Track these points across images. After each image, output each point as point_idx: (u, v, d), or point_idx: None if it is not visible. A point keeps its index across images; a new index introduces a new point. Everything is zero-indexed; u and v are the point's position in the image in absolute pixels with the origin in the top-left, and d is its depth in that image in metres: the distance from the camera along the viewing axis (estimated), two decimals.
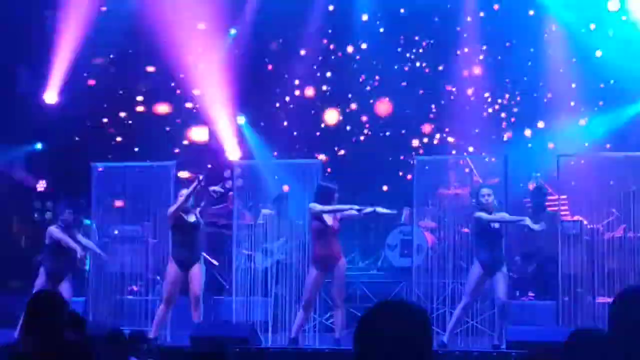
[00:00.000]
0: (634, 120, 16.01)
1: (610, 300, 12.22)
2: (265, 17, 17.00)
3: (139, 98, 17.76)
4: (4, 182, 16.27)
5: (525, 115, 17.16)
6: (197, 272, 12.16)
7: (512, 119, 17.37)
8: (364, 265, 15.61)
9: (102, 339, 6.26)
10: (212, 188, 12.54)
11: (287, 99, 17.74)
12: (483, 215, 11.50)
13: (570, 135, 16.13)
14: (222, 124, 16.89)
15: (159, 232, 13.42)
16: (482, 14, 17.01)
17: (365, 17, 17.46)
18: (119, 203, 13.99)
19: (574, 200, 13.14)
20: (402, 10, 17.19)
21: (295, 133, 17.60)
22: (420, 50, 17.60)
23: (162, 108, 17.79)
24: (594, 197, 12.59)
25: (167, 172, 13.43)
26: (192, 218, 12.24)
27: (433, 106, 17.54)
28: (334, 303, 11.94)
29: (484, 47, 17.15)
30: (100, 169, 13.76)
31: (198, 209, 12.36)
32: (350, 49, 17.74)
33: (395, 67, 17.59)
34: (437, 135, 17.56)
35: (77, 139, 16.94)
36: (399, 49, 17.56)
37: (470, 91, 17.32)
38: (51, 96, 16.55)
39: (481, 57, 17.24)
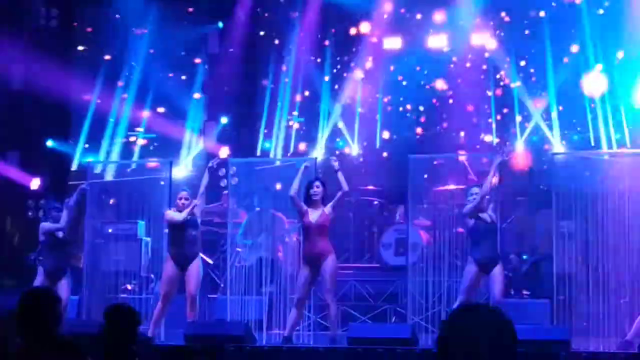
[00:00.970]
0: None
1: (606, 298, 12.31)
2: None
3: None
4: None
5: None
6: (194, 271, 12.11)
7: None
8: (358, 264, 15.59)
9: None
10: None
11: None
12: (466, 208, 11.57)
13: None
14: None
15: (153, 231, 13.42)
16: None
17: None
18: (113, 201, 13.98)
19: (568, 198, 13.12)
20: None
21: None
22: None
23: None
24: (588, 196, 12.59)
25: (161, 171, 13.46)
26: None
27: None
28: (326, 301, 11.96)
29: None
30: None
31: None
32: None
33: None
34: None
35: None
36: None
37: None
38: None
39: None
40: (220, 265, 14.35)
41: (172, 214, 12.24)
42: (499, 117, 17.33)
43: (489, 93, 17.33)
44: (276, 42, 17.42)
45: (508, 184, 13.97)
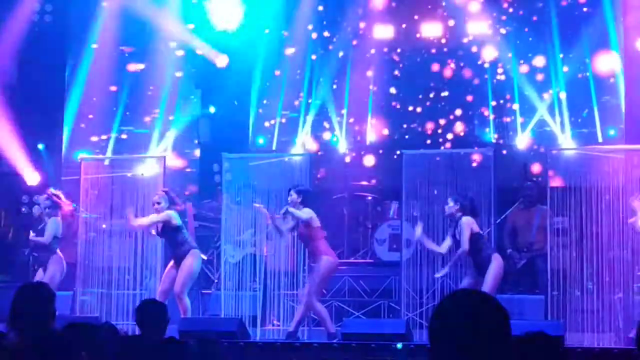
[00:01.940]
0: None
1: (599, 293, 12.33)
2: None
3: None
4: None
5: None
6: (183, 268, 12.16)
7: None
8: (352, 259, 15.58)
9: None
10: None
11: None
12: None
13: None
14: None
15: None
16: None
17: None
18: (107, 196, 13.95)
19: (562, 194, 13.13)
20: None
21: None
22: None
23: None
24: (583, 192, 12.60)
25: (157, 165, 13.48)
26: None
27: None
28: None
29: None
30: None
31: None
32: None
33: None
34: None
35: None
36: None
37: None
38: None
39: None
40: (214, 261, 14.33)
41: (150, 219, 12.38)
42: (495, 110, 17.28)
43: (486, 84, 17.23)
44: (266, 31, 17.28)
45: (503, 178, 13.99)
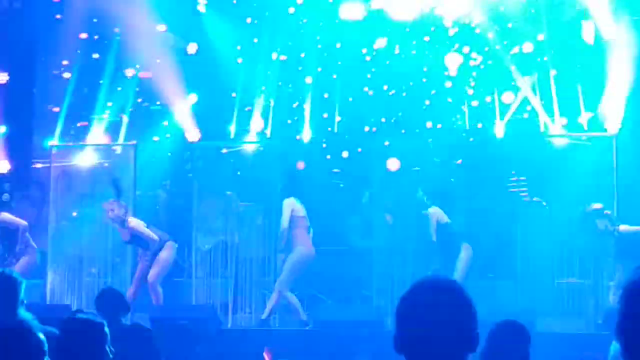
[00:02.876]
0: None
1: (570, 280, 12.41)
2: None
3: None
4: None
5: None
6: (159, 260, 12.21)
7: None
8: (324, 247, 15.57)
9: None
10: None
11: None
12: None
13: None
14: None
15: None
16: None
17: None
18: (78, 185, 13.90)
19: (533, 181, 13.21)
20: None
21: None
22: None
23: None
24: (553, 179, 12.68)
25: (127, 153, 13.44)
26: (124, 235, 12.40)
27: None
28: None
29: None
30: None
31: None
32: None
33: None
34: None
35: None
36: None
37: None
38: None
39: None
40: (185, 249, 14.29)
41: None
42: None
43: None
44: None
45: (474, 166, 14.05)
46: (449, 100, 16.75)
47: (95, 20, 16.13)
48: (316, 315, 11.97)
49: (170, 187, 16.09)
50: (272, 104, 16.77)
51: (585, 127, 15.01)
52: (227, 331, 11.91)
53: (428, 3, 16.03)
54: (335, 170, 16.55)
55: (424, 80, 16.81)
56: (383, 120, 17.33)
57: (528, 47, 15.69)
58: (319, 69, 17.09)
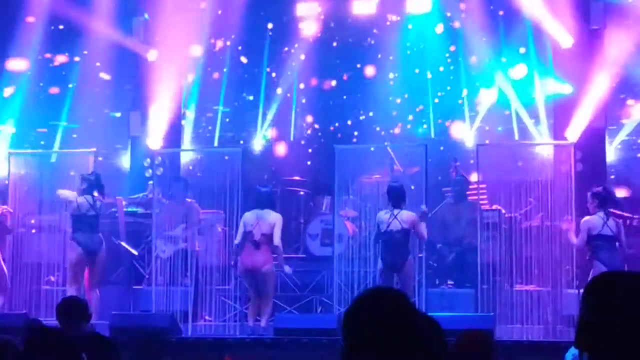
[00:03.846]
0: None
1: (527, 287, 12.49)
2: None
3: None
4: None
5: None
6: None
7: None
8: (284, 254, 15.55)
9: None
10: None
11: None
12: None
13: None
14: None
15: None
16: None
17: None
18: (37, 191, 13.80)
19: (492, 189, 13.27)
20: None
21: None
22: None
23: None
24: (511, 186, 12.76)
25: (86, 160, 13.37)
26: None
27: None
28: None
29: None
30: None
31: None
32: None
33: None
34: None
35: None
36: None
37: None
38: None
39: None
40: (145, 256, 14.22)
41: None
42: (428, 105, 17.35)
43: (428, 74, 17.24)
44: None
45: (434, 174, 14.10)
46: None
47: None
48: (276, 323, 11.94)
49: (129, 193, 16.01)
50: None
51: (545, 135, 15.21)
52: (187, 339, 11.85)
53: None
54: (296, 177, 16.56)
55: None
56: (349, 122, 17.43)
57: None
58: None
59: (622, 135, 15.87)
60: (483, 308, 12.34)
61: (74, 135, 16.89)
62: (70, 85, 16.95)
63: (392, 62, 17.19)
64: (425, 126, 17.38)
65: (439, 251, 13.80)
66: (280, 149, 17.68)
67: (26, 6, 16.16)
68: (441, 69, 17.17)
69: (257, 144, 17.56)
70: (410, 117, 17.38)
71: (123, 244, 14.21)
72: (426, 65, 17.09)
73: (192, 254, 13.22)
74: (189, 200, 13.45)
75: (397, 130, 17.19)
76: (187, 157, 15.91)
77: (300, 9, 17.05)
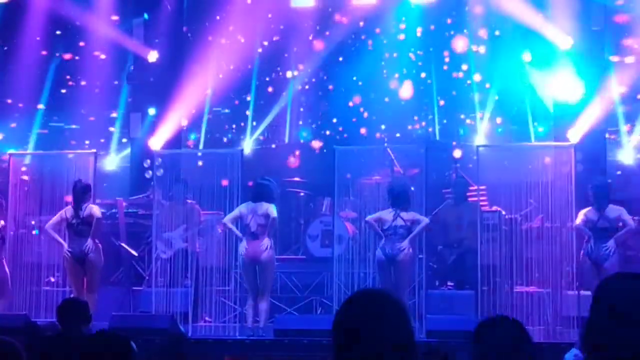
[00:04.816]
0: None
1: (527, 289, 12.48)
2: None
3: None
4: None
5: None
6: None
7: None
8: (284, 255, 15.57)
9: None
10: None
11: None
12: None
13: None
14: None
15: None
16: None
17: None
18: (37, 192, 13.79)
19: (492, 191, 13.26)
20: None
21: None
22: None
23: None
24: (512, 187, 12.74)
25: (86, 161, 13.35)
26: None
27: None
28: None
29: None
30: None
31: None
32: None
33: None
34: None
35: None
36: None
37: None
38: None
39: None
40: (145, 257, 14.21)
41: None
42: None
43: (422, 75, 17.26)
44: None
45: (433, 176, 14.10)
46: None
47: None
48: (276, 324, 11.94)
49: (130, 194, 16.02)
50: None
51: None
52: (187, 340, 11.85)
53: None
54: (296, 178, 16.57)
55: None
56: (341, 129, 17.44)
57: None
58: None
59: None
60: (483, 310, 12.33)
61: (73, 142, 16.91)
62: (71, 84, 16.95)
63: (394, 61, 17.24)
64: (430, 129, 17.39)
65: (439, 253, 13.78)
66: (281, 151, 17.68)
67: (27, 5, 16.16)
68: (445, 67, 17.23)
69: (255, 145, 17.57)
70: (416, 118, 17.44)
71: (123, 245, 14.21)
72: (430, 66, 17.17)
73: (192, 255, 13.22)
74: (189, 201, 13.44)
75: (397, 133, 17.22)
76: (187, 158, 15.90)
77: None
